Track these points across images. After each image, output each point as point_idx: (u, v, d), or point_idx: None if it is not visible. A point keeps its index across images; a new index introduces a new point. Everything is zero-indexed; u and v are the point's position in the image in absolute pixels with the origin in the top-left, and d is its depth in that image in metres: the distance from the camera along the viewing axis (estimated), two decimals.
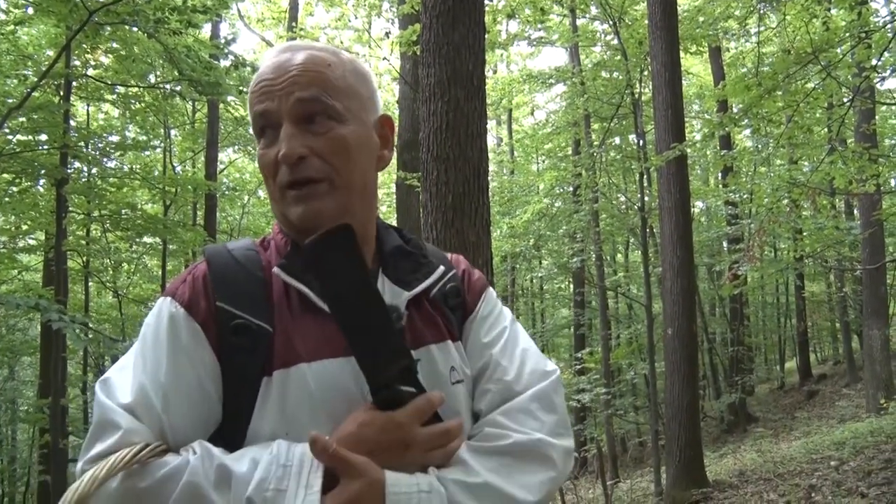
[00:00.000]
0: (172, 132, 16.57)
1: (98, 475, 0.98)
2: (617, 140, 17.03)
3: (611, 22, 12.52)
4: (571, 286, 19.86)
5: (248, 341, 1.08)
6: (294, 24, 14.50)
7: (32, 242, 14.34)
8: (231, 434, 1.08)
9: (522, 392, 1.21)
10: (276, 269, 1.13)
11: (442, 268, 1.27)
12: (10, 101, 9.44)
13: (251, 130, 1.25)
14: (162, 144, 15.98)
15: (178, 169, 17.37)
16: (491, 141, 24.64)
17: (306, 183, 1.14)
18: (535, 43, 15.95)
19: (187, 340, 1.08)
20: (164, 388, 1.06)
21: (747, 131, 18.09)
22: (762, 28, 14.00)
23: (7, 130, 9.71)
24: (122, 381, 1.09)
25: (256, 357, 1.08)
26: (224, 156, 18.58)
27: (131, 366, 1.11)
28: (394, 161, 9.85)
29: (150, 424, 1.05)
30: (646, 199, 12.15)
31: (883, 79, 9.88)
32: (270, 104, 1.15)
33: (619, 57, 12.88)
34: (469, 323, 1.29)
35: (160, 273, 15.83)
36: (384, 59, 12.04)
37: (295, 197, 1.14)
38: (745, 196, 14.77)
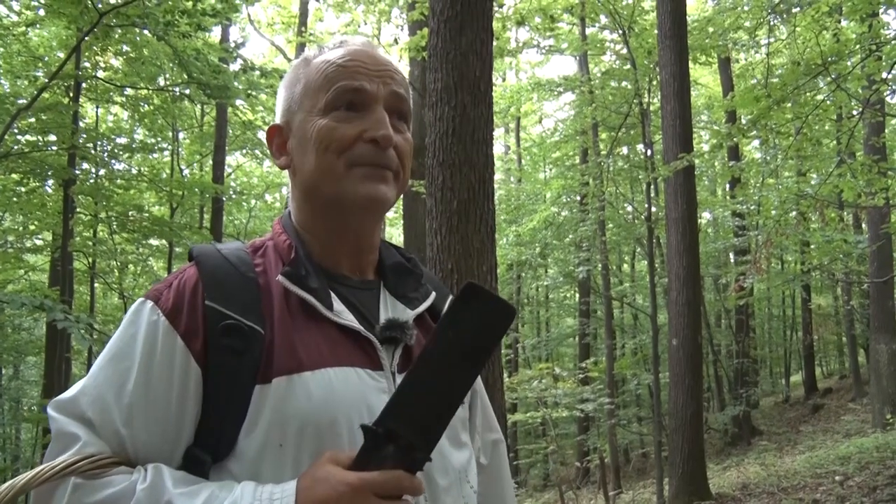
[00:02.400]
0: (180, 135, 16.61)
1: (16, 484, 0.95)
2: (625, 150, 17.01)
3: (620, 31, 12.52)
4: (577, 295, 19.80)
5: (239, 343, 1.03)
6: (303, 28, 14.55)
7: (39, 242, 14.40)
8: (217, 444, 1.03)
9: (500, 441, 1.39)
10: (280, 277, 1.09)
11: (435, 294, 1.28)
12: (21, 101, 9.49)
13: (295, 104, 1.19)
14: (170, 147, 16.02)
15: (186, 172, 17.41)
16: (498, 149, 24.66)
17: (386, 168, 1.14)
18: (544, 51, 15.98)
19: (164, 353, 1.03)
20: (129, 401, 1.01)
21: (755, 143, 18.06)
22: (772, 39, 13.99)
23: (16, 130, 9.74)
24: (80, 391, 1.04)
25: (247, 360, 1.03)
26: (232, 159, 18.62)
27: (95, 373, 1.05)
28: None
29: (107, 438, 1.00)
30: (653, 209, 12.13)
31: (893, 91, 9.85)
32: (369, 84, 1.15)
33: (627, 66, 12.88)
34: None
35: (166, 275, 15.84)
36: None
37: (368, 175, 1.13)
38: (752, 207, 14.73)
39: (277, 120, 1.23)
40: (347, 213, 1.14)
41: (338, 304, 1.11)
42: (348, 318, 1.10)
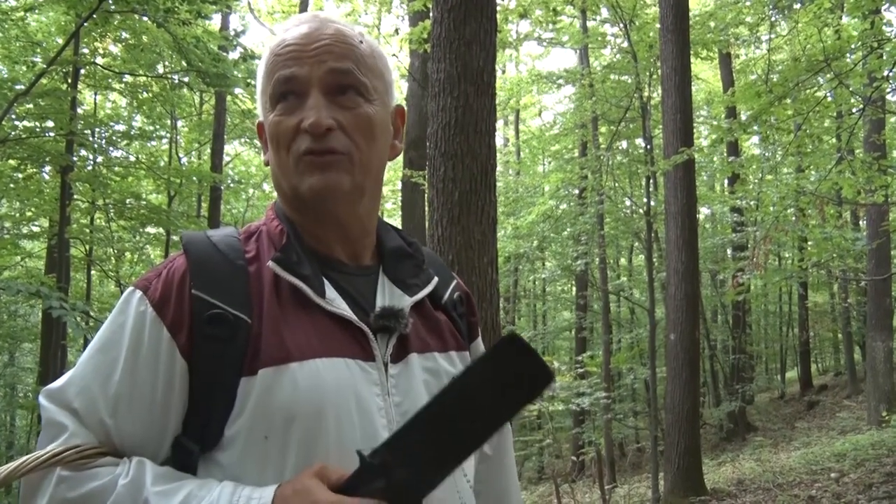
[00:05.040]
0: (179, 123, 16.56)
1: (0, 473, 0.95)
2: (624, 143, 16.98)
3: (621, 24, 12.47)
4: (574, 289, 19.80)
5: (225, 332, 1.01)
6: None
7: (36, 229, 14.36)
8: (204, 435, 1.01)
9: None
10: (270, 264, 1.06)
11: (437, 278, 1.24)
12: (18, 86, 9.43)
13: (258, 102, 1.18)
14: (168, 135, 15.97)
15: (184, 160, 17.37)
16: (498, 141, 24.55)
17: (328, 153, 1.08)
18: (545, 43, 15.92)
19: (150, 345, 1.02)
20: (115, 392, 1.00)
21: (755, 139, 18.04)
22: (773, 35, 13.95)
23: (14, 116, 9.69)
24: (68, 381, 1.03)
25: (233, 351, 1.01)
26: (230, 148, 18.57)
27: (83, 362, 1.04)
28: (400, 158, 9.82)
29: (93, 428, 1.00)
30: (652, 203, 12.11)
31: (895, 89, 9.82)
32: (299, 69, 1.09)
33: (628, 60, 12.83)
34: (474, 344, 1.31)
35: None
36: (393, 55, 11.99)
37: (313, 165, 1.08)
38: (751, 203, 14.72)
39: (259, 115, 1.20)
40: (310, 205, 1.11)
41: (330, 292, 1.08)
42: (340, 307, 1.08)
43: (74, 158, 11.16)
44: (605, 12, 14.29)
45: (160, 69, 12.75)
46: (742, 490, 8.65)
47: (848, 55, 9.04)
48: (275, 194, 1.21)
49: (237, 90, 11.63)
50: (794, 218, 11.82)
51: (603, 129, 16.34)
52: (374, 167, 1.14)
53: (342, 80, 1.10)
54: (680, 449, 8.70)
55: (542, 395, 0.93)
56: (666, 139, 9.40)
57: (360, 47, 1.14)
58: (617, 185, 15.23)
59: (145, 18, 9.31)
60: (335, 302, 1.08)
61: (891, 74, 8.70)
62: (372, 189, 1.16)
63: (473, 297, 1.37)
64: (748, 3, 12.09)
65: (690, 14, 10.48)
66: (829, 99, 10.08)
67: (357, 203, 1.14)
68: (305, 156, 1.08)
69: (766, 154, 16.45)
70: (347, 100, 1.10)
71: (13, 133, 10.04)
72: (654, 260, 12.32)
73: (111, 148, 13.27)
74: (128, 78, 12.23)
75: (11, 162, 11.04)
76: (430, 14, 4.51)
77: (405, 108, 1.25)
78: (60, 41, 11.09)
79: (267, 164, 1.18)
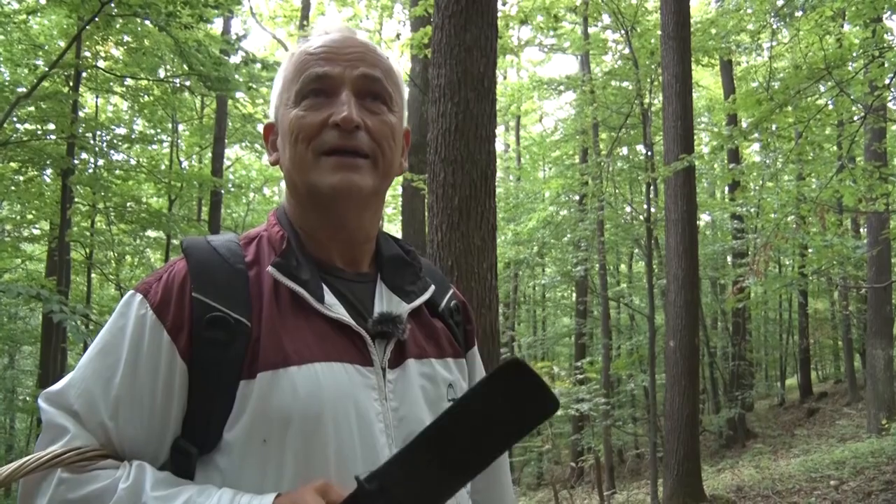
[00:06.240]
0: (180, 127, 16.57)
1: (1, 473, 0.96)
2: (625, 150, 16.99)
3: (623, 31, 12.49)
4: (574, 295, 19.80)
5: (225, 335, 1.02)
6: (306, 22, 14.51)
7: (37, 232, 14.36)
8: (203, 437, 1.02)
9: None
10: (270, 269, 1.07)
11: (434, 286, 1.24)
12: (20, 89, 9.44)
13: (275, 101, 1.19)
14: (169, 139, 15.98)
15: (185, 164, 17.37)
16: (498, 147, 24.53)
17: (354, 153, 1.10)
18: (546, 49, 15.95)
19: (151, 348, 1.02)
20: (116, 394, 1.01)
21: (756, 146, 18.03)
22: (774, 43, 13.96)
23: (15, 119, 9.71)
24: (69, 383, 1.04)
25: (233, 353, 1.01)
26: (231, 152, 18.57)
27: (84, 365, 1.05)
28: None
29: (94, 430, 1.00)
30: (652, 210, 12.11)
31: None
32: (333, 69, 1.12)
33: (629, 66, 12.85)
34: (470, 353, 1.31)
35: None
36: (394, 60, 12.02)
37: (336, 164, 1.09)
38: (751, 210, 14.72)
39: (270, 117, 1.22)
40: (324, 204, 1.12)
41: (329, 297, 1.09)
42: (339, 312, 1.08)
43: (75, 161, 11.17)
44: (606, 18, 14.32)
45: (161, 73, 12.76)
46: (741, 497, 8.64)
47: (849, 63, 9.05)
48: (276, 199, 1.21)
49: (238, 94, 11.65)
50: (794, 225, 11.81)
51: (603, 136, 16.36)
52: (391, 174, 1.17)
53: (372, 87, 1.14)
54: (679, 455, 8.69)
55: (545, 421, 0.91)
56: (666, 146, 9.41)
57: (387, 62, 1.18)
58: (617, 191, 15.25)
59: (147, 22, 9.33)
60: (334, 307, 1.08)
61: (892, 83, 8.71)
62: (381, 195, 1.19)
63: (473, 302, 1.38)
64: (749, 11, 12.10)
65: (692, 21, 10.49)
66: (830, 107, 10.09)
67: (368, 207, 1.16)
68: (331, 154, 1.10)
69: (767, 161, 16.42)
70: (375, 105, 1.14)
71: (14, 136, 10.05)
72: (654, 266, 12.32)
73: (112, 151, 13.28)
74: (129, 81, 12.23)
75: (13, 165, 11.05)
76: (432, 19, 4.51)
77: (409, 130, 1.27)
78: (62, 44, 11.10)
79: (274, 163, 1.19)
